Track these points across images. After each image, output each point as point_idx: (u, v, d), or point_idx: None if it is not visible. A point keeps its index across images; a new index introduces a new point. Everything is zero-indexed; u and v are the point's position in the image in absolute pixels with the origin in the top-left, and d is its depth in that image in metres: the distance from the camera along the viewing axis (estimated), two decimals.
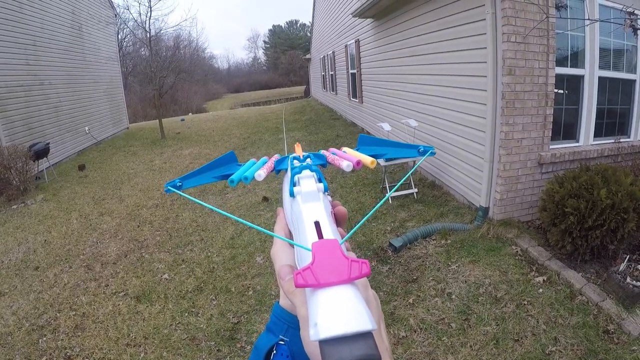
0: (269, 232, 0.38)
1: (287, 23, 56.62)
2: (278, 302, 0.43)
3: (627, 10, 2.41)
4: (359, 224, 0.37)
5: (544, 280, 2.80)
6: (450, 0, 4.04)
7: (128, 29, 15.47)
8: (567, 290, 2.66)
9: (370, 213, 0.40)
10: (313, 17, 16.82)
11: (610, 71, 3.72)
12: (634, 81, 3.85)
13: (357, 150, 0.58)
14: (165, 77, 12.25)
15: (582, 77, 3.61)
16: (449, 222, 3.86)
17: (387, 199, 4.61)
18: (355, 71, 9.25)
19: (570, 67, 3.56)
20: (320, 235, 0.34)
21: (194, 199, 0.46)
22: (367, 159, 0.49)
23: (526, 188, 3.58)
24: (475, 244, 3.38)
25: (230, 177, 0.49)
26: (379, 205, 0.41)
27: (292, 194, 0.41)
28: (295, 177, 0.44)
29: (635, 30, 2.42)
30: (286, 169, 0.53)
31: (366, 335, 0.24)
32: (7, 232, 4.70)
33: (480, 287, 2.83)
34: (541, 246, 3.18)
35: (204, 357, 2.46)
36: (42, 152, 6.74)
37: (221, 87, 41.83)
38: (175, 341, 2.60)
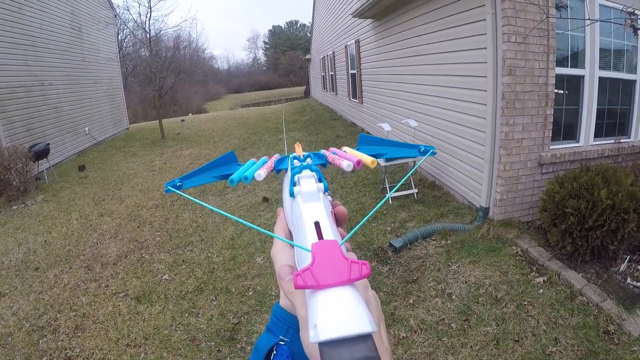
0: (268, 232, 0.37)
1: (287, 23, 56.68)
2: (278, 302, 0.43)
3: (628, 10, 2.41)
4: (359, 225, 0.36)
5: (544, 280, 2.79)
6: (451, 0, 4.04)
7: (128, 29, 15.48)
8: (567, 291, 2.66)
9: (370, 214, 0.39)
10: (313, 17, 16.83)
11: (611, 71, 3.72)
12: (634, 81, 3.85)
13: (358, 149, 0.58)
14: (165, 77, 12.25)
15: (583, 77, 3.61)
16: (449, 222, 3.86)
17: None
18: (355, 71, 9.25)
19: (571, 67, 3.56)
20: (320, 235, 0.34)
21: (193, 199, 0.46)
22: (368, 159, 0.49)
23: (526, 188, 3.58)
24: (476, 244, 3.38)
25: (230, 177, 0.49)
26: (378, 205, 0.40)
27: (292, 194, 0.41)
28: (296, 177, 0.44)
29: (635, 30, 2.41)
30: (286, 169, 0.52)
31: (366, 338, 0.24)
32: (7, 233, 4.70)
33: (480, 287, 2.83)
34: (541, 246, 3.18)
35: (204, 357, 2.46)
36: (42, 153, 6.74)
37: (221, 88, 41.84)
38: (176, 342, 2.60)
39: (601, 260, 2.90)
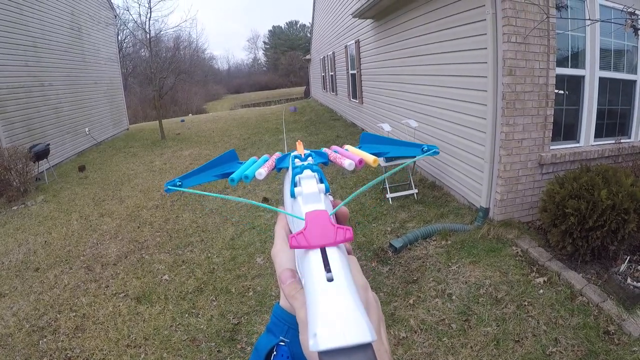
0: (272, 207, 0.40)
1: (287, 24, 56.68)
2: (278, 303, 0.42)
3: (628, 10, 2.41)
4: (350, 197, 0.40)
5: (544, 281, 2.79)
6: (451, 0, 4.04)
7: (128, 30, 15.48)
8: (567, 291, 2.66)
9: (363, 188, 0.41)
10: (313, 17, 16.83)
11: (611, 72, 3.72)
12: (634, 82, 3.85)
13: (360, 148, 0.58)
14: (165, 78, 12.26)
15: (583, 77, 3.61)
16: (450, 222, 3.86)
17: (387, 198, 4.61)
18: (355, 72, 9.25)
19: (571, 67, 3.56)
20: None
21: (195, 191, 0.46)
22: (370, 158, 0.49)
23: (526, 189, 3.57)
24: (476, 244, 3.38)
25: (231, 176, 0.49)
26: (372, 183, 0.42)
27: (293, 195, 0.41)
28: (297, 178, 0.44)
29: (636, 30, 2.41)
30: (287, 167, 0.52)
31: (365, 347, 0.23)
32: (7, 233, 4.70)
33: (480, 287, 2.82)
34: (542, 247, 3.17)
35: (204, 358, 2.45)
36: (42, 154, 6.74)
37: (221, 88, 41.84)
38: (176, 342, 2.60)
39: (601, 261, 2.90)
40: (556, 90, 3.46)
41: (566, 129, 3.72)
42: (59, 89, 8.91)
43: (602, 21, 3.30)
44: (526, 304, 2.60)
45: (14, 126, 7.00)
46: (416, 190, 4.70)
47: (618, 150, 3.65)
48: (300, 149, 0.56)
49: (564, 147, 3.66)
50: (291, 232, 0.43)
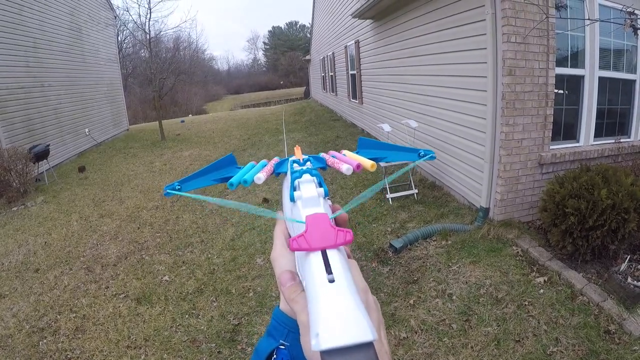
0: (274, 214, 0.40)
1: (286, 24, 56.75)
2: (278, 306, 0.43)
3: (627, 10, 2.41)
4: (349, 205, 0.40)
5: (544, 280, 2.79)
6: (450, 0, 4.04)
7: (128, 30, 15.49)
8: (568, 291, 2.65)
9: (364, 194, 0.41)
10: (313, 18, 16.84)
11: (610, 71, 3.72)
12: (634, 81, 3.85)
13: (357, 153, 0.58)
14: (165, 78, 12.26)
15: (582, 77, 3.61)
16: (450, 223, 3.86)
17: (387, 198, 4.61)
18: (355, 72, 9.25)
19: (571, 67, 3.56)
20: None
21: (195, 196, 0.46)
22: (367, 162, 0.49)
23: (526, 188, 3.57)
24: (476, 244, 3.38)
25: (230, 181, 0.49)
26: (372, 191, 0.42)
27: (292, 199, 0.41)
28: (296, 182, 0.44)
29: (635, 30, 2.41)
30: (286, 172, 0.52)
31: (367, 346, 0.24)
32: (7, 234, 4.70)
33: (481, 287, 2.82)
34: (542, 247, 3.17)
35: (204, 359, 2.45)
36: (42, 154, 6.74)
37: (221, 89, 41.86)
38: (176, 343, 2.60)
39: (602, 260, 2.90)
40: (556, 90, 3.46)
41: (566, 128, 3.72)
42: (59, 89, 8.91)
43: (602, 21, 3.30)
44: (527, 303, 2.60)
45: (14, 127, 7.00)
46: (416, 191, 4.70)
47: (618, 149, 3.65)
48: (299, 154, 0.56)
49: (563, 146, 3.66)
50: (290, 236, 0.43)
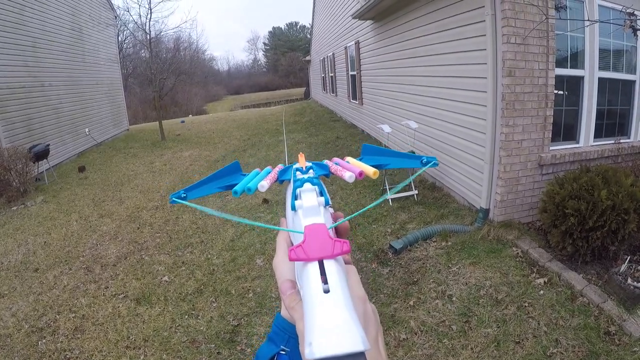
0: (276, 227, 0.41)
1: (287, 25, 56.79)
2: (279, 312, 0.43)
3: (627, 11, 2.41)
4: (348, 217, 0.41)
5: (544, 281, 2.79)
6: (450, 2, 4.05)
7: (128, 30, 15.50)
8: (568, 292, 2.65)
9: (363, 210, 0.42)
10: (313, 19, 16.85)
11: (610, 72, 3.72)
12: (633, 82, 3.85)
13: (361, 160, 0.59)
14: (165, 78, 12.26)
15: (582, 78, 3.61)
16: (450, 224, 3.85)
17: (385, 199, 4.60)
18: (355, 73, 9.26)
19: (570, 68, 3.56)
20: None
21: (202, 208, 0.47)
22: (370, 170, 0.50)
23: (526, 189, 3.57)
24: (476, 245, 3.38)
25: (234, 188, 0.50)
26: (374, 204, 0.43)
27: (293, 208, 0.42)
28: (297, 191, 0.45)
29: (635, 31, 2.42)
30: (289, 179, 0.53)
31: (358, 356, 0.25)
32: (6, 234, 4.69)
33: (480, 289, 2.82)
34: (542, 248, 3.17)
35: (203, 359, 2.45)
36: (42, 154, 6.74)
37: (221, 89, 41.87)
38: (175, 344, 2.59)
39: (602, 261, 2.89)
40: (556, 91, 3.46)
41: (566, 129, 3.72)
42: (59, 89, 8.91)
43: (601, 22, 3.30)
44: (526, 305, 2.60)
45: (14, 126, 7.00)
46: (416, 192, 4.70)
47: (618, 150, 3.65)
48: (302, 162, 0.57)
49: (563, 147, 3.66)
50: (292, 243, 0.45)
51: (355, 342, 0.25)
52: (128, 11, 21.79)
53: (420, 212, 4.28)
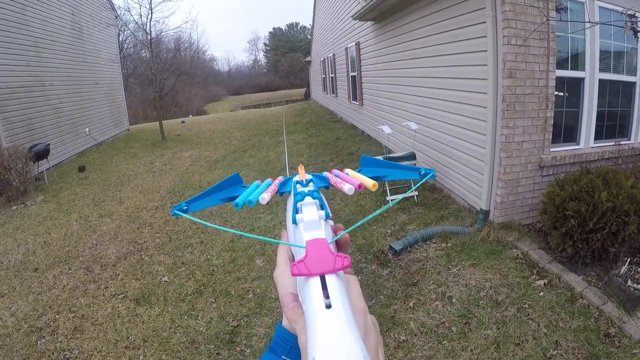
0: (277, 241, 0.42)
1: (287, 25, 56.84)
2: (281, 322, 0.44)
3: (628, 12, 2.41)
4: (348, 230, 0.41)
5: (544, 283, 2.79)
6: (451, 3, 4.05)
7: (129, 30, 15.51)
8: (568, 294, 2.65)
9: (360, 222, 0.44)
10: (313, 19, 16.86)
11: (611, 73, 3.72)
12: (634, 83, 3.85)
13: (360, 171, 0.60)
14: (165, 79, 12.27)
15: (583, 79, 3.61)
16: (450, 225, 3.85)
17: (387, 200, 4.60)
18: (355, 74, 9.26)
19: (571, 69, 3.56)
20: None
21: (206, 223, 0.49)
22: (369, 182, 0.51)
23: (527, 191, 3.57)
24: (476, 247, 3.37)
25: (235, 201, 0.51)
26: (372, 216, 0.44)
27: (294, 221, 0.43)
28: (298, 204, 0.46)
29: (635, 32, 2.42)
30: (289, 192, 0.54)
31: None
32: (6, 233, 4.69)
33: (480, 290, 2.82)
34: (542, 249, 3.17)
35: None
36: (42, 153, 6.74)
37: (221, 89, 41.88)
38: (175, 344, 2.59)
39: (602, 263, 2.89)
40: (556, 93, 3.46)
41: (566, 131, 3.72)
42: (60, 89, 8.92)
43: (602, 24, 3.30)
44: (526, 306, 2.60)
45: (14, 126, 7.00)
46: (416, 193, 4.70)
47: (618, 152, 3.65)
48: (302, 174, 0.57)
49: (564, 149, 3.66)
50: (293, 255, 0.46)
51: (356, 356, 0.26)
52: (129, 11, 21.87)
53: (420, 213, 4.28)
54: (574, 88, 3.64)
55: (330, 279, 0.33)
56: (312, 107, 17.29)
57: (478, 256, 3.23)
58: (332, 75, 13.02)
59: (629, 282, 2.49)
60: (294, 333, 0.40)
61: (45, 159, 6.91)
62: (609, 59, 3.70)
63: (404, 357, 2.31)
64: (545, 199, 3.03)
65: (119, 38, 16.06)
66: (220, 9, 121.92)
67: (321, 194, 0.49)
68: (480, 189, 3.76)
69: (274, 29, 57.64)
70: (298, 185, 0.52)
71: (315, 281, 0.33)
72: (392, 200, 4.61)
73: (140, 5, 13.42)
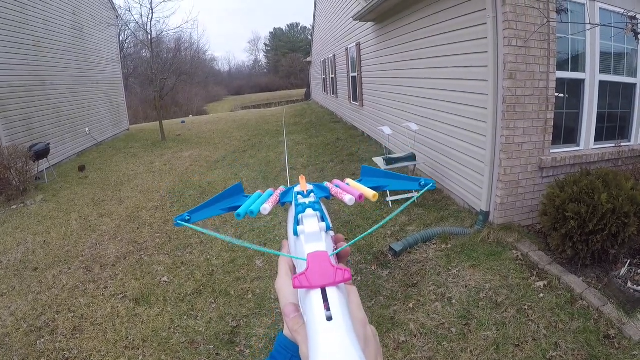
0: (280, 253, 0.43)
1: (288, 26, 56.84)
2: (282, 331, 0.45)
3: (628, 14, 2.41)
4: (348, 244, 0.43)
5: (544, 285, 2.78)
6: (451, 4, 4.05)
7: (129, 30, 15.51)
8: (567, 295, 2.65)
9: (360, 237, 0.45)
10: (314, 20, 16.87)
11: (611, 75, 3.73)
12: (634, 85, 3.85)
13: (360, 181, 0.61)
14: (166, 79, 12.25)
15: (583, 81, 3.61)
16: (450, 226, 3.85)
17: (387, 200, 4.60)
18: (355, 74, 9.26)
19: (571, 71, 3.56)
20: None
21: (206, 231, 0.49)
22: (369, 192, 0.52)
23: (527, 192, 3.57)
24: (476, 248, 3.37)
25: (237, 211, 0.51)
26: (372, 230, 0.46)
27: (296, 233, 0.44)
28: (299, 216, 0.46)
29: (636, 34, 2.42)
30: (291, 202, 0.55)
31: None
32: (6, 233, 4.69)
33: (480, 291, 2.81)
34: (542, 251, 3.17)
35: None
36: (42, 153, 6.74)
37: (222, 90, 41.89)
38: (174, 344, 2.59)
39: (602, 265, 2.89)
40: (556, 94, 3.46)
41: (566, 132, 3.72)
42: (60, 88, 8.92)
43: (603, 25, 3.31)
44: (526, 308, 2.59)
45: (14, 125, 7.00)
46: (416, 194, 4.70)
47: (618, 153, 3.65)
48: (303, 185, 0.58)
49: (564, 150, 3.66)
50: (294, 265, 0.47)
51: None
52: (129, 11, 21.86)
53: (420, 214, 4.28)
54: (574, 89, 3.64)
55: (331, 292, 0.34)
56: (313, 107, 17.29)
57: (478, 257, 3.23)
58: (333, 76, 13.03)
59: (629, 284, 2.49)
60: (295, 341, 0.41)
61: (45, 159, 6.91)
62: (610, 61, 3.70)
63: (404, 358, 2.31)
64: (546, 200, 3.03)
65: (119, 38, 16.07)
66: (220, 9, 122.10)
67: (322, 205, 0.50)
68: (480, 190, 3.76)
69: (275, 29, 57.70)
70: (299, 196, 0.53)
71: (317, 293, 0.34)
72: (391, 202, 4.62)
73: (141, 5, 13.44)
